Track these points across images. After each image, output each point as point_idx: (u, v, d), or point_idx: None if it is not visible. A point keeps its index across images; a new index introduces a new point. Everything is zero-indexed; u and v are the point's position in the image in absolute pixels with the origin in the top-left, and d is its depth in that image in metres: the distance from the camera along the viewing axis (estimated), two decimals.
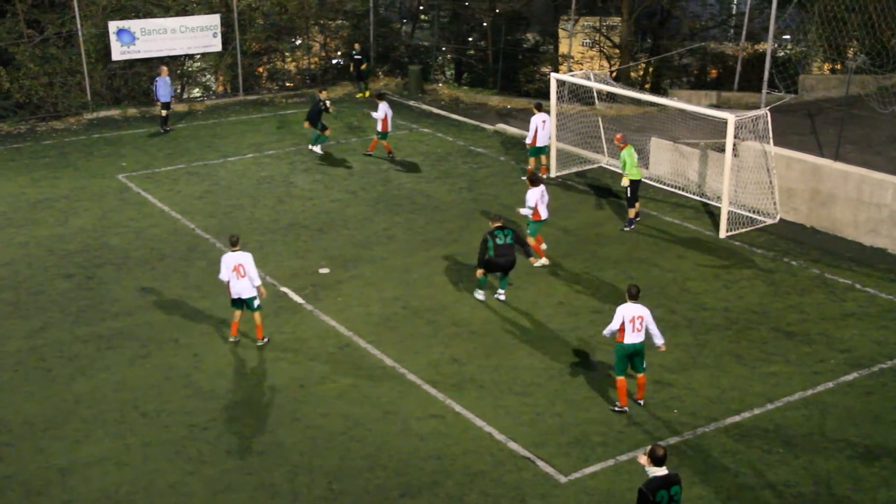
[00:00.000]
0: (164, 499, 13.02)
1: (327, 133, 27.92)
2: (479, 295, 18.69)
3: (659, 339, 14.68)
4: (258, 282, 16.64)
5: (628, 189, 21.62)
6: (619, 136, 21.95)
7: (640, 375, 14.81)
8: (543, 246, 20.47)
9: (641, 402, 14.93)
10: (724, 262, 20.06)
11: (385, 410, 15.06)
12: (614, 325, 14.47)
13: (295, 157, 27.90)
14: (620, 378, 14.68)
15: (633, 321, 14.35)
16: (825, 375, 15.56)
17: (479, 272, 18.36)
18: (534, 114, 24.54)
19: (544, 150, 24.94)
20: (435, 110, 33.23)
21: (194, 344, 17.08)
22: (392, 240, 21.68)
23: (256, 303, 16.81)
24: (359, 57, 35.31)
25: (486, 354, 16.64)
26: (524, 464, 13.62)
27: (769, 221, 22.13)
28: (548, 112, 24.96)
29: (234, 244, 16.66)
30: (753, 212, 22.34)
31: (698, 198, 23.61)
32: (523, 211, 20.04)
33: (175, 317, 17.96)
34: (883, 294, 18.34)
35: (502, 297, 18.62)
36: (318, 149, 27.99)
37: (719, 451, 13.71)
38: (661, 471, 10.50)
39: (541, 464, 13.59)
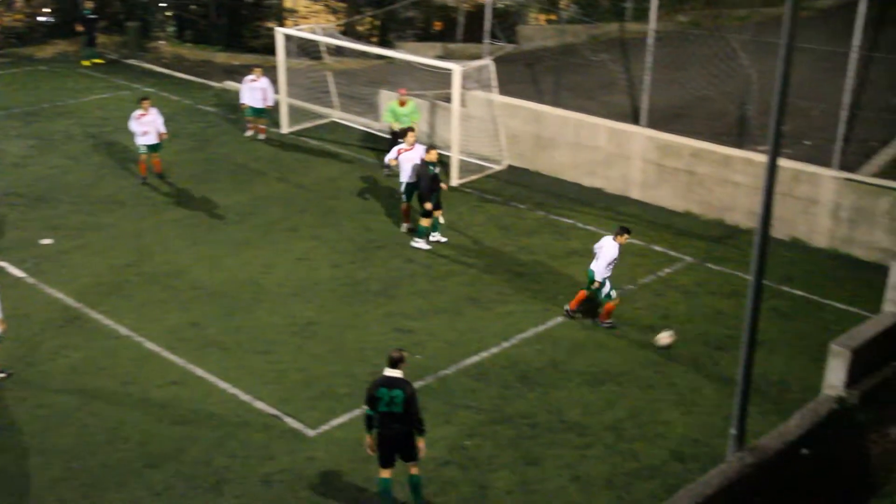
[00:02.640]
0: None
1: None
2: (422, 243, 18.78)
3: None
4: None
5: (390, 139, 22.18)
6: (403, 90, 22.46)
7: None
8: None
9: None
10: (457, 209, 20.64)
11: (123, 381, 14.49)
12: None
13: (4, 122, 26.05)
14: None
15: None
16: (555, 311, 16.41)
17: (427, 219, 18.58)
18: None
19: (260, 111, 24.67)
20: (157, 69, 31.98)
21: None
22: (121, 205, 20.78)
23: None
24: (93, 16, 32.64)
25: (227, 315, 16.35)
26: (271, 421, 13.55)
27: (497, 168, 22.97)
28: (257, 74, 24.54)
29: None
30: (482, 159, 23.10)
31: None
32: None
33: None
34: (602, 231, 19.50)
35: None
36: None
37: (461, 390, 14.20)
38: (394, 373, 11.20)
39: (288, 420, 13.56)
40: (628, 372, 14.60)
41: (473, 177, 22.40)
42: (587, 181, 21.96)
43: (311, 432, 13.31)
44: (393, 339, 15.55)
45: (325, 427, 13.43)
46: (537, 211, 20.61)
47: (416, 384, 14.21)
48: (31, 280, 17.44)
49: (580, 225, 19.87)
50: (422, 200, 18.58)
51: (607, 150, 21.59)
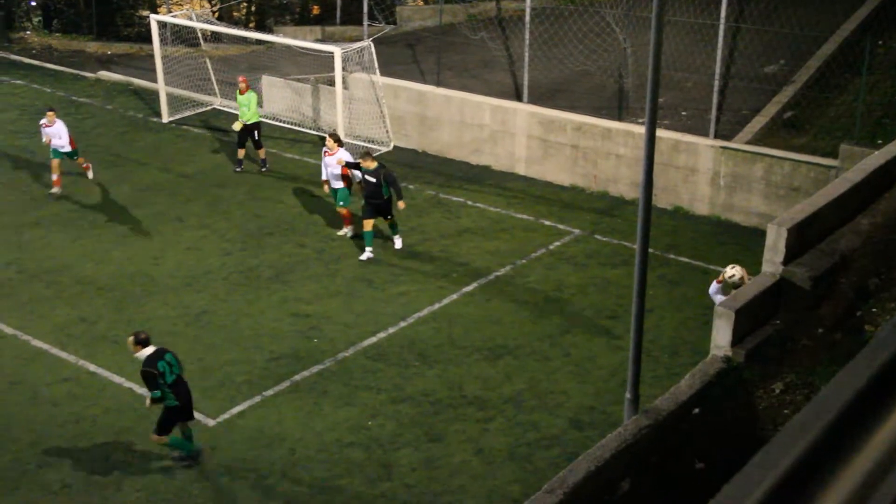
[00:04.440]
0: None
1: None
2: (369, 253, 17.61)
3: None
4: None
5: (255, 132, 21.42)
6: (243, 77, 21.66)
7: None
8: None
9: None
10: None
11: (11, 381, 14.09)
12: None
13: None
14: None
15: None
16: (449, 289, 16.59)
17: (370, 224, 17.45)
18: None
19: (69, 154, 20.60)
20: (26, 60, 30.87)
21: None
22: None
23: None
24: None
25: (117, 309, 16.01)
26: None
27: (384, 150, 22.98)
28: (49, 119, 20.13)
29: None
30: (368, 141, 23.08)
31: (315, 132, 23.96)
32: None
33: None
34: (491, 208, 19.78)
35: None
36: None
37: (360, 372, 14.25)
38: (150, 349, 11.95)
39: None
40: (524, 345, 14.88)
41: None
42: (474, 159, 22.18)
43: (211, 422, 13.19)
44: (288, 324, 15.49)
45: (224, 416, 13.33)
46: (427, 191, 20.73)
47: (316, 368, 14.24)
48: None
49: (470, 203, 20.08)
50: (381, 212, 17.53)
51: (492, 127, 21.84)
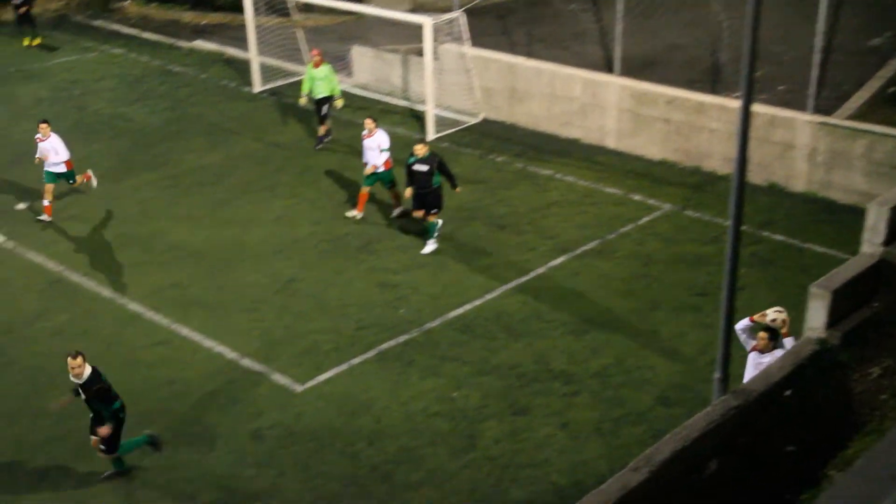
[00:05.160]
0: None
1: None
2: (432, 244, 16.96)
3: None
4: None
5: (325, 106, 21.35)
6: (317, 50, 21.67)
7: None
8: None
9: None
10: None
11: (108, 343, 14.49)
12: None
13: None
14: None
15: None
16: (536, 262, 16.50)
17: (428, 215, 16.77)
18: None
19: (60, 176, 18.39)
20: (125, 30, 31.49)
21: None
22: (96, 168, 20.56)
23: None
24: None
25: (209, 275, 16.33)
26: (259, 378, 13.60)
27: (473, 121, 22.91)
28: (44, 132, 18.16)
29: None
30: (457, 112, 23.03)
31: (404, 102, 24.00)
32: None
33: None
34: (580, 181, 19.57)
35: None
36: None
37: (446, 343, 14.29)
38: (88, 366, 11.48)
39: (275, 376, 13.62)
40: (612, 320, 14.74)
41: (449, 130, 22.34)
42: (564, 132, 21.96)
43: (298, 388, 13.38)
44: (376, 293, 15.61)
45: (311, 383, 13.50)
46: (515, 163, 20.61)
47: (402, 338, 14.33)
48: (9, 245, 17.32)
49: (558, 176, 19.91)
50: (427, 205, 16.84)
51: (582, 100, 21.58)
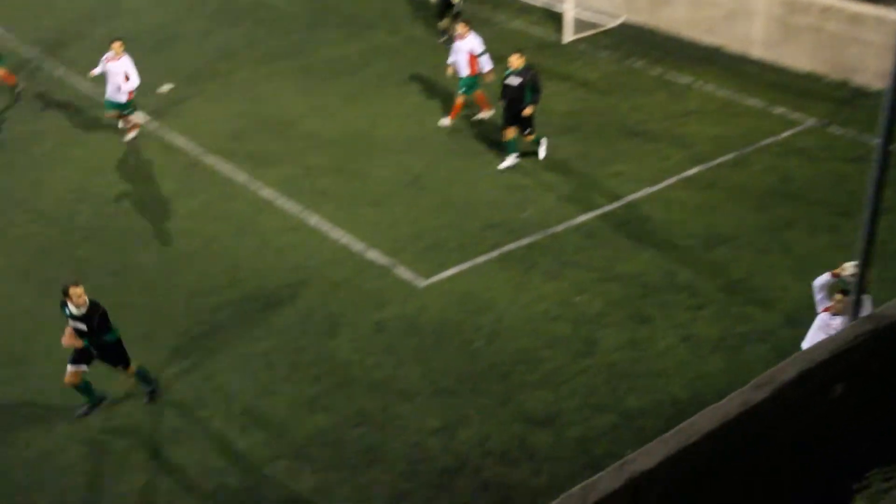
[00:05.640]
0: (19, 322, 12.77)
1: None
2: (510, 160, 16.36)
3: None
4: None
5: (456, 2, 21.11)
6: None
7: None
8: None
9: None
10: (570, 65, 20.22)
11: (240, 226, 14.90)
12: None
13: None
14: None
15: None
16: (669, 172, 16.13)
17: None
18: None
19: (121, 106, 17.21)
20: None
21: (34, 165, 16.43)
22: (234, 55, 20.92)
23: None
24: None
25: (340, 166, 16.53)
26: (383, 271, 13.81)
27: (612, 24, 22.29)
28: (117, 50, 16.80)
29: None
30: (597, 14, 22.42)
31: (541, 1, 23.48)
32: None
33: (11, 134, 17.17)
34: (720, 91, 18.93)
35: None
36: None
37: (571, 248, 14.19)
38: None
39: (400, 270, 13.79)
40: (743, 236, 14.35)
41: (587, 33, 21.80)
42: (706, 39, 21.17)
43: (421, 283, 13.53)
44: (502, 194, 15.55)
45: (434, 278, 13.63)
46: (653, 69, 20.03)
47: (526, 240, 14.30)
48: (151, 126, 17.85)
49: (697, 84, 19.28)
50: (519, 121, 16.11)
51: (729, 6, 20.71)
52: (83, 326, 10.84)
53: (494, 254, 14.08)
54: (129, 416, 11.38)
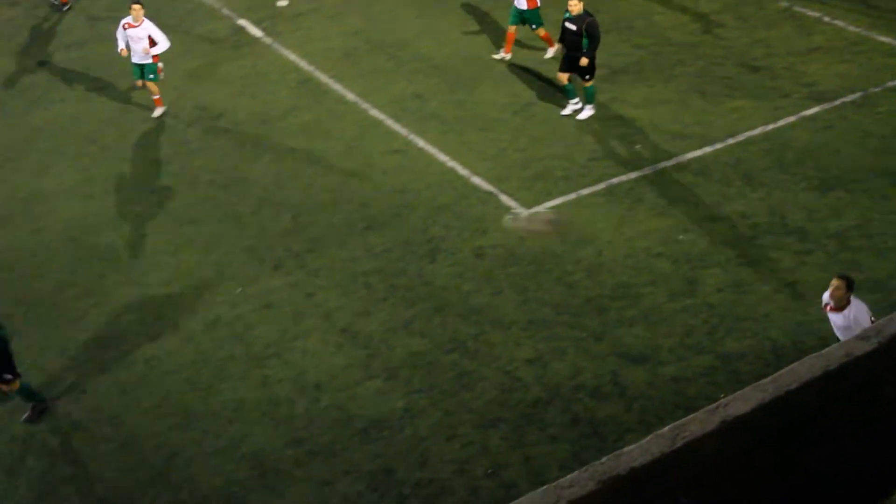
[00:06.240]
0: (130, 227, 13.18)
1: None
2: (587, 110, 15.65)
3: None
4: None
5: None
6: None
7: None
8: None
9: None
10: None
11: (348, 145, 15.01)
12: None
13: None
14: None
15: None
16: (787, 110, 15.55)
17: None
18: None
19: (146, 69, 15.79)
20: None
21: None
22: None
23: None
24: None
25: (450, 90, 16.43)
26: (487, 197, 13.76)
27: None
28: (136, 15, 15.44)
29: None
30: None
31: None
32: None
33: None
34: (850, 27, 18.06)
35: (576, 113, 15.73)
36: None
37: (679, 184, 13.88)
38: None
39: (503, 197, 13.73)
40: (861, 180, 13.78)
41: None
42: None
43: (525, 212, 13.45)
44: (613, 126, 15.26)
45: (538, 208, 13.51)
46: (779, 2, 19.22)
47: (634, 174, 14.06)
48: (267, 40, 18.01)
49: (826, 19, 18.41)
50: (577, 69, 15.25)
51: None
52: None
53: (600, 186, 13.88)
54: (231, 326, 11.70)
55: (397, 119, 15.59)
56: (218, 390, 10.77)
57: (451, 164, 14.46)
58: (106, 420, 10.50)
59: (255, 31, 18.08)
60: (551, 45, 17.16)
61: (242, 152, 14.86)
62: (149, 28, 15.24)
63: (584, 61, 15.02)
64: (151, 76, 15.50)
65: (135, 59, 15.44)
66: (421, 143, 15.00)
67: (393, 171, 14.40)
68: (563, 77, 15.51)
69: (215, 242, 13.05)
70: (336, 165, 14.48)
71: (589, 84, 15.41)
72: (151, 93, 15.78)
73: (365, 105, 16.00)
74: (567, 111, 15.68)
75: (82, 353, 11.39)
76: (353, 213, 13.48)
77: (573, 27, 15.02)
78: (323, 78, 16.79)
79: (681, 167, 14.25)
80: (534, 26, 17.06)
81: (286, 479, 9.66)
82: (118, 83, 16.62)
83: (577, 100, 15.62)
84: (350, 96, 16.26)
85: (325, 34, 18.25)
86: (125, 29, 15.28)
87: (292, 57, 17.45)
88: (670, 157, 14.47)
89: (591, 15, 15.16)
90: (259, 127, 15.47)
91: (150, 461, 9.95)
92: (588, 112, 15.61)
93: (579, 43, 15.00)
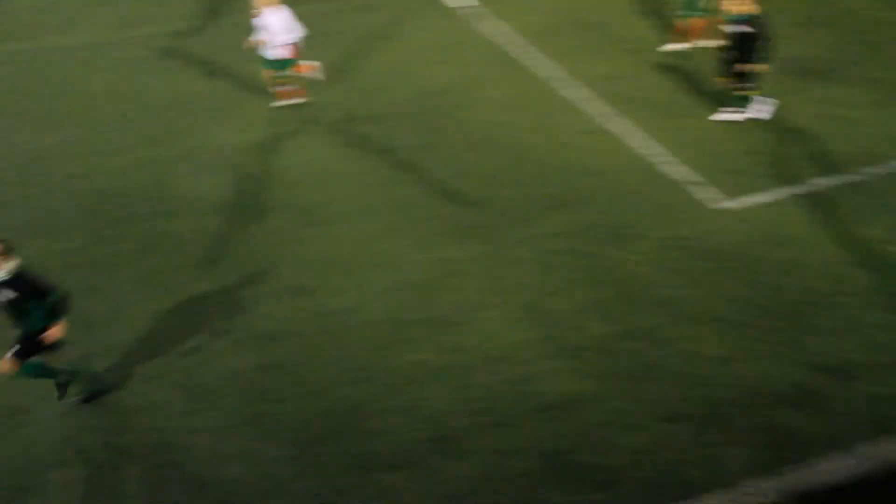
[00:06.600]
0: (324, 188, 13.46)
1: None
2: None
3: None
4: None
5: None
6: None
7: None
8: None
9: None
10: None
11: (538, 122, 14.88)
12: None
13: None
14: None
15: None
16: None
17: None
18: None
19: (279, 64, 15.04)
20: None
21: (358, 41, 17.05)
22: None
23: None
24: None
25: (651, 72, 16.07)
26: (682, 187, 13.35)
27: None
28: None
29: None
30: None
31: None
32: None
33: None
34: None
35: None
36: None
37: (890, 194, 13.07)
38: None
39: (700, 188, 13.30)
40: None
41: None
42: None
43: (721, 205, 12.97)
44: (820, 125, 14.54)
45: (736, 202, 13.00)
46: None
47: (841, 178, 13.35)
48: (469, 10, 18.04)
49: None
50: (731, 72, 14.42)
51: None
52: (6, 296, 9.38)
53: (804, 187, 13.26)
54: (416, 290, 11.75)
55: (591, 100, 15.33)
56: (398, 351, 10.83)
57: (646, 149, 14.11)
58: (289, 368, 10.70)
59: (461, 2, 18.12)
60: (690, 38, 16.45)
61: (440, 119, 14.94)
62: (283, 16, 14.57)
63: (743, 67, 14.15)
64: (283, 70, 15.07)
65: (267, 52, 14.84)
66: (614, 125, 14.70)
67: (584, 151, 14.16)
68: (721, 80, 14.69)
69: (405, 206, 13.14)
70: (523, 141, 14.35)
71: (745, 93, 14.49)
72: (281, 87, 15.39)
73: (559, 83, 15.81)
74: (720, 117, 14.90)
75: (272, 300, 11.64)
76: (538, 190, 13.31)
77: (733, 29, 14.11)
78: (520, 52, 16.70)
79: (892, 175, 13.46)
80: (680, 14, 16.42)
81: (465, 447, 9.64)
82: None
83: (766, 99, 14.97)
84: (544, 73, 16.09)
85: (534, 7, 18.26)
86: (259, 15, 14.67)
87: (492, 28, 17.41)
88: (884, 160, 13.68)
89: (759, 18, 14.05)
90: (457, 95, 15.52)
91: (335, 410, 10.10)
92: (740, 115, 14.70)
93: (739, 48, 14.09)
